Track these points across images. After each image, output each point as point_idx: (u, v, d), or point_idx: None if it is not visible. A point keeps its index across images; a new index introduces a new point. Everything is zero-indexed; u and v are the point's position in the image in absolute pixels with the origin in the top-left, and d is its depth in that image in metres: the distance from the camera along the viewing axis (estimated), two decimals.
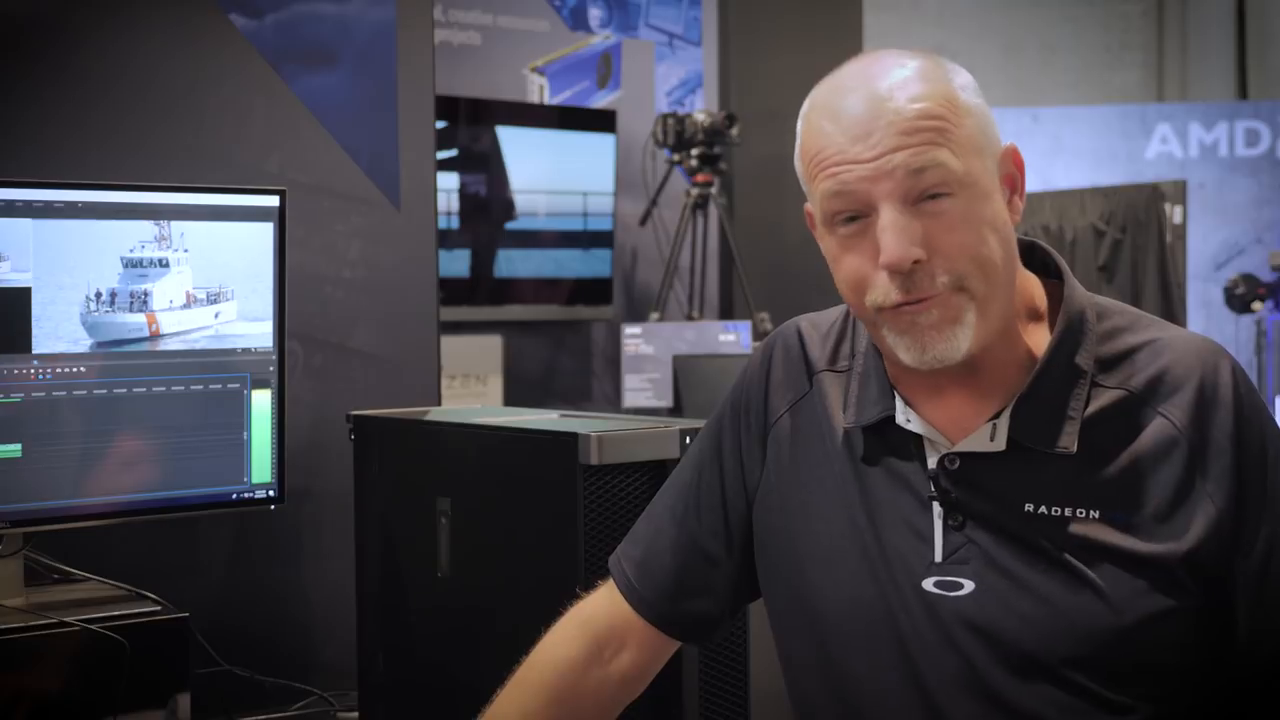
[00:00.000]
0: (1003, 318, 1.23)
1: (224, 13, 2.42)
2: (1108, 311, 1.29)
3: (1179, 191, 7.76)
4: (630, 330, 4.45)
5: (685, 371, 4.32)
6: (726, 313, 5.72)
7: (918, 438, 1.28)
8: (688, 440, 1.73)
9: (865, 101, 1.20)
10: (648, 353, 4.39)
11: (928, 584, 1.25)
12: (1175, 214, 7.47)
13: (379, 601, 2.12)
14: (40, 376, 1.94)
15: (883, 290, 1.20)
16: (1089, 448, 1.22)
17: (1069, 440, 1.22)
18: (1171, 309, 6.76)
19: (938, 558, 1.25)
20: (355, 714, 2.18)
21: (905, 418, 1.28)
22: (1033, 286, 1.30)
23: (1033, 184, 8.11)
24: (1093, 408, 1.23)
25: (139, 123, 2.33)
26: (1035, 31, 9.76)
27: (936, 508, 1.26)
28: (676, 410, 4.28)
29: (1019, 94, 9.56)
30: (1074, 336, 1.26)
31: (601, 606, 1.47)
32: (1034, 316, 1.29)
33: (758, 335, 4.58)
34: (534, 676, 1.44)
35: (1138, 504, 1.20)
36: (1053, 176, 8.29)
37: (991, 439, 1.24)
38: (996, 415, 1.25)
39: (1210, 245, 8.44)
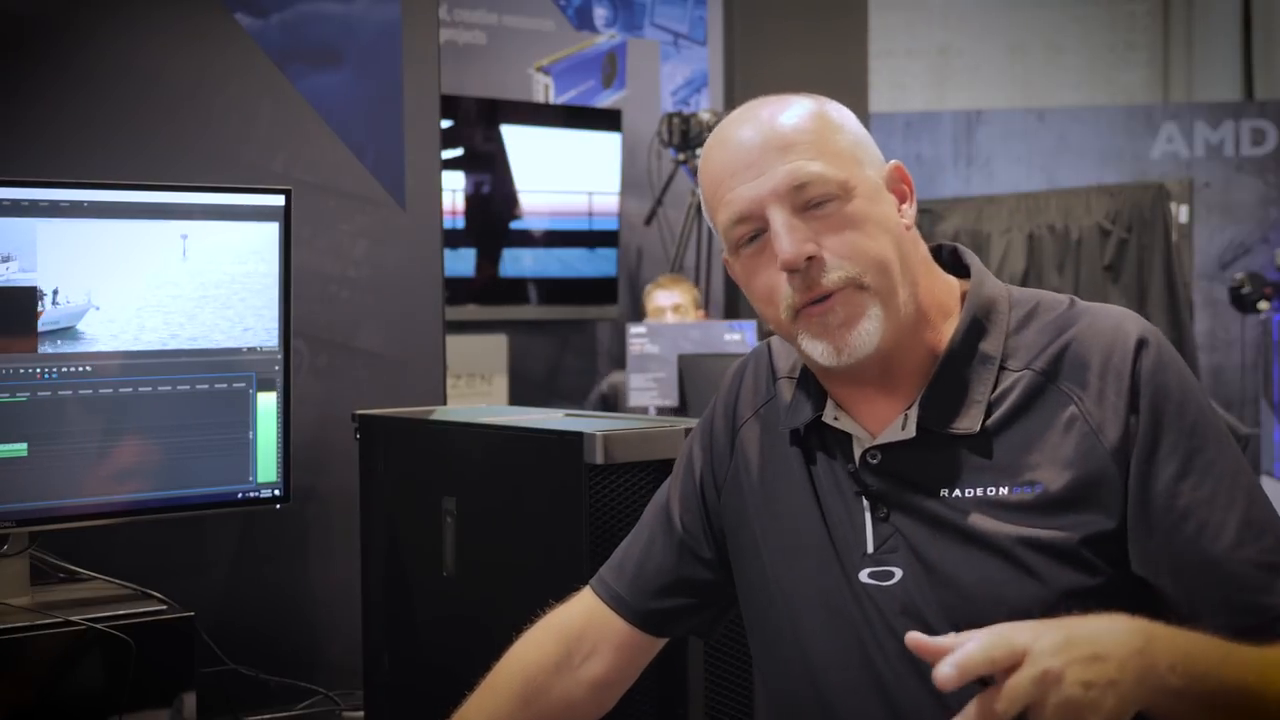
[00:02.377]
0: (909, 314, 1.30)
1: (229, 12, 2.42)
2: (1022, 300, 1.35)
3: (1185, 190, 7.74)
4: (635, 330, 4.45)
5: (690, 371, 4.31)
6: (731, 312, 5.72)
7: (848, 436, 1.35)
8: None
9: (749, 128, 1.31)
10: (653, 352, 4.38)
11: (863, 575, 1.32)
12: (1181, 213, 7.46)
13: (384, 601, 2.12)
14: (46, 375, 1.95)
15: (786, 294, 1.28)
16: (996, 429, 1.28)
17: (971, 422, 1.28)
18: (1177, 308, 6.74)
19: (869, 549, 1.32)
20: (360, 713, 2.18)
21: (834, 416, 1.36)
22: (945, 287, 1.36)
23: (1038, 183, 8.14)
24: (998, 391, 1.29)
25: (144, 122, 2.33)
26: (1041, 31, 9.75)
27: (864, 501, 1.32)
28: (682, 410, 4.28)
29: (1024, 93, 9.55)
30: (980, 326, 1.32)
31: (576, 612, 1.51)
32: (946, 314, 1.34)
33: (762, 335, 4.58)
34: (502, 680, 1.48)
35: (1044, 480, 1.25)
36: (1058, 176, 8.27)
37: (903, 428, 1.31)
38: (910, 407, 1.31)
39: (1216, 245, 8.42)
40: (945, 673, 1.03)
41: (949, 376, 1.30)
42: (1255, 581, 1.21)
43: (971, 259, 1.38)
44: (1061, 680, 1.03)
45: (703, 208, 1.37)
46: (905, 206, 1.34)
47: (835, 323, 1.27)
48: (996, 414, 1.28)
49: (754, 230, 1.30)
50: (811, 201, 1.27)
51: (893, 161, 1.35)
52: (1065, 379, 1.27)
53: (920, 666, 1.26)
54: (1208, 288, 8.33)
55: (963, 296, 1.35)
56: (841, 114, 1.34)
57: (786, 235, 1.26)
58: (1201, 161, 8.45)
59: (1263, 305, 7.65)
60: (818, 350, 1.29)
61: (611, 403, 4.88)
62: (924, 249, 1.35)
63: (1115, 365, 1.26)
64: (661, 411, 4.30)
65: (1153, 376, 1.25)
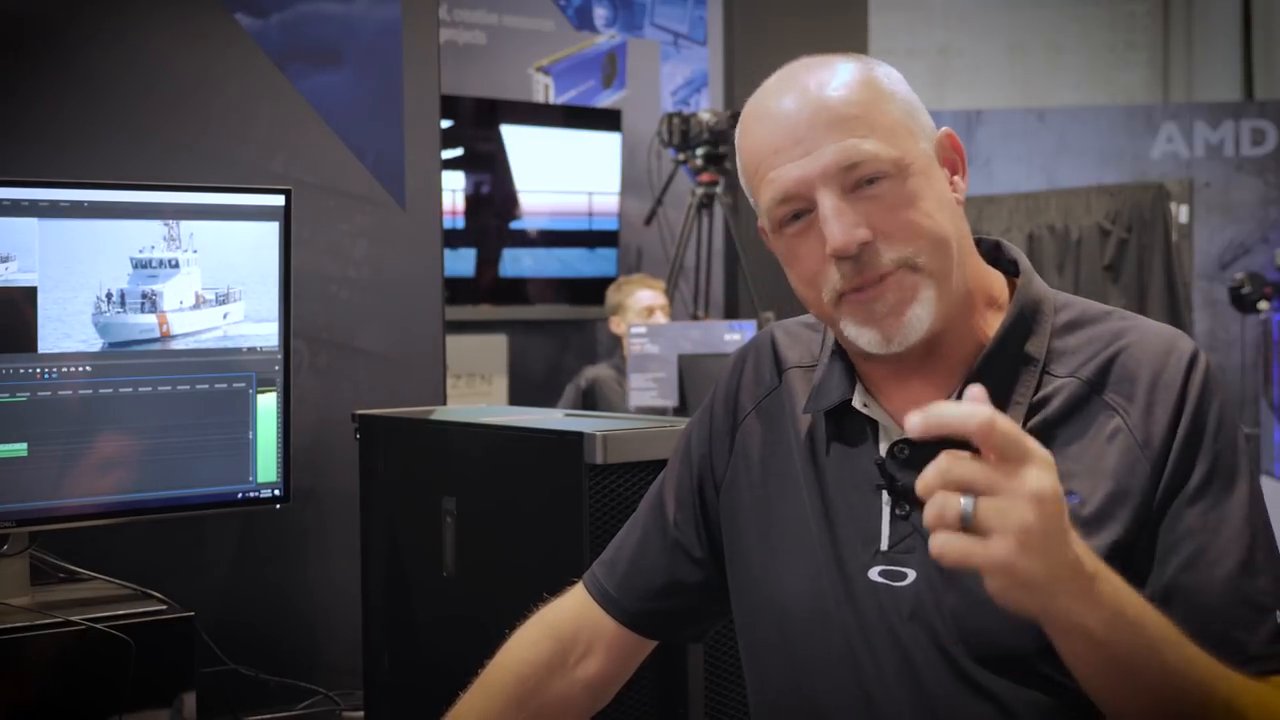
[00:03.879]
0: (961, 297, 1.24)
1: (229, 12, 2.42)
2: (1069, 304, 1.30)
3: (1185, 190, 7.75)
4: (636, 329, 4.45)
5: (690, 371, 4.31)
6: (731, 312, 5.72)
7: (874, 425, 1.29)
8: None
9: (794, 99, 1.23)
10: (653, 352, 4.38)
11: (873, 573, 1.26)
12: (1181, 213, 7.47)
13: (384, 601, 2.12)
14: (46, 375, 1.95)
15: (834, 279, 1.21)
16: (1036, 434, 1.20)
17: None
18: (1177, 308, 6.75)
19: (884, 546, 1.26)
20: (360, 713, 2.18)
21: (863, 402, 1.30)
22: (995, 280, 1.31)
23: (1038, 183, 8.14)
24: (1040, 395, 1.24)
25: (144, 122, 2.33)
26: (1041, 31, 9.76)
27: (885, 496, 1.27)
28: (682, 409, 4.28)
29: (1024, 93, 9.56)
30: (1025, 324, 1.26)
31: (569, 610, 1.48)
32: (994, 307, 1.29)
33: None
34: (496, 680, 1.45)
35: (1081, 491, 1.19)
36: (1058, 176, 8.28)
37: None
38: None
39: (1216, 245, 8.43)
40: (912, 420, 0.97)
41: (990, 374, 1.23)
42: (1238, 617, 1.15)
43: (1019, 255, 1.33)
44: (1038, 506, 0.97)
45: (740, 182, 1.30)
46: (956, 179, 1.27)
47: (884, 310, 1.20)
48: (1037, 419, 1.22)
49: (798, 210, 1.22)
50: (862, 179, 1.19)
51: (944, 129, 1.28)
52: (1111, 390, 1.22)
53: (907, 676, 1.23)
54: (1208, 288, 8.34)
55: (1010, 292, 1.30)
56: (891, 79, 1.25)
57: (836, 221, 1.19)
58: (1201, 161, 8.45)
59: (1263, 305, 7.66)
60: (864, 338, 1.22)
61: (591, 399, 4.86)
62: (967, 228, 1.29)
63: (1166, 381, 1.21)
64: (661, 411, 4.30)
65: (1199, 397, 1.21)
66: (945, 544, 0.97)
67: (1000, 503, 0.97)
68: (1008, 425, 0.98)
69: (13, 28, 2.25)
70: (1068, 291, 1.37)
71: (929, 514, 0.98)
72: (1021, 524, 0.97)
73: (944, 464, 0.98)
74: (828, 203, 1.20)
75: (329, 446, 2.41)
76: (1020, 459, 0.98)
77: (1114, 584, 1.05)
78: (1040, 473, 0.98)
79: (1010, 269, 1.33)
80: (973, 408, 0.98)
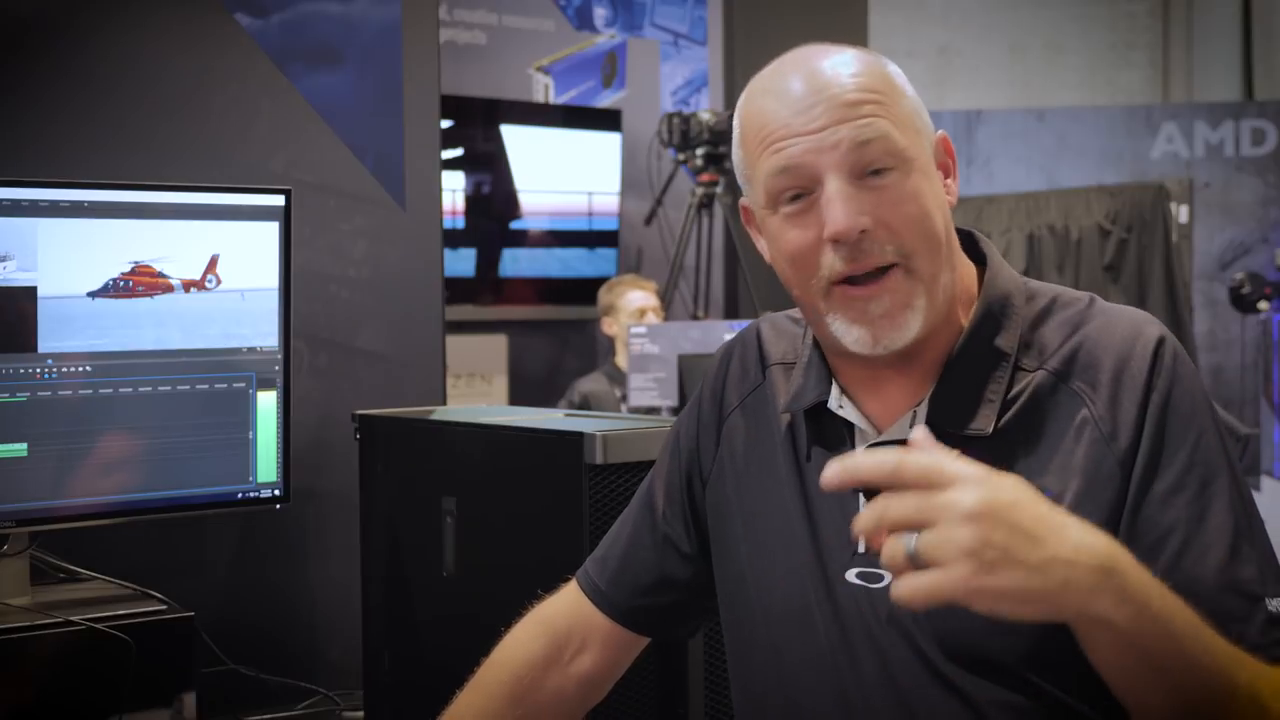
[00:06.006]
0: (945, 300, 1.24)
1: (229, 12, 2.42)
2: (1039, 294, 1.29)
3: (1185, 190, 7.76)
4: (636, 329, 4.45)
5: (690, 371, 4.31)
6: (732, 312, 5.72)
7: (851, 427, 1.29)
8: None
9: (807, 79, 1.22)
10: (653, 352, 4.39)
11: (850, 575, 1.26)
12: (1181, 213, 7.47)
13: (384, 601, 2.12)
14: (46, 375, 1.95)
15: (829, 262, 1.20)
16: (1009, 431, 1.22)
17: (984, 423, 1.21)
18: (1177, 308, 6.75)
19: (861, 548, 1.26)
20: (360, 713, 2.18)
21: (838, 404, 1.29)
22: (970, 274, 1.30)
23: (1038, 183, 8.14)
24: (1014, 390, 1.23)
25: (144, 122, 2.33)
26: (1041, 31, 9.75)
27: (861, 497, 1.25)
28: (681, 410, 4.28)
29: (1024, 93, 9.56)
30: (994, 320, 1.25)
31: (563, 606, 1.49)
32: (966, 302, 1.28)
33: None
34: (492, 677, 1.46)
35: (1053, 487, 1.18)
36: (1058, 176, 8.28)
37: (911, 425, 1.24)
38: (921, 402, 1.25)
39: (1216, 245, 8.42)
40: (826, 475, 1.00)
41: (961, 373, 1.23)
42: (1232, 608, 1.13)
43: (988, 247, 1.32)
44: (976, 523, 0.96)
45: (734, 155, 1.29)
46: (949, 182, 1.27)
47: (878, 311, 1.19)
48: (1009, 415, 1.21)
49: (800, 188, 1.20)
50: (870, 166, 1.19)
51: (939, 133, 1.28)
52: (1077, 378, 1.21)
53: (885, 677, 1.23)
54: (1208, 288, 8.33)
55: (981, 284, 1.29)
56: (900, 74, 1.25)
57: (841, 205, 1.17)
58: (1201, 161, 8.45)
59: (1263, 305, 7.66)
60: (851, 336, 1.21)
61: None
62: (954, 232, 1.29)
63: (1133, 371, 1.20)
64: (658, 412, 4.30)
65: (1168, 384, 1.19)
66: (904, 587, 0.98)
67: (938, 533, 0.97)
68: (918, 460, 0.99)
69: (13, 28, 2.25)
70: None
71: (884, 561, 1.00)
72: (966, 547, 0.97)
73: (876, 508, 0.99)
74: (834, 184, 1.19)
75: (329, 447, 2.41)
76: (944, 483, 0.98)
77: (1139, 576, 1.03)
78: (968, 490, 0.98)
79: (982, 261, 1.32)
80: (880, 457, 0.99)
